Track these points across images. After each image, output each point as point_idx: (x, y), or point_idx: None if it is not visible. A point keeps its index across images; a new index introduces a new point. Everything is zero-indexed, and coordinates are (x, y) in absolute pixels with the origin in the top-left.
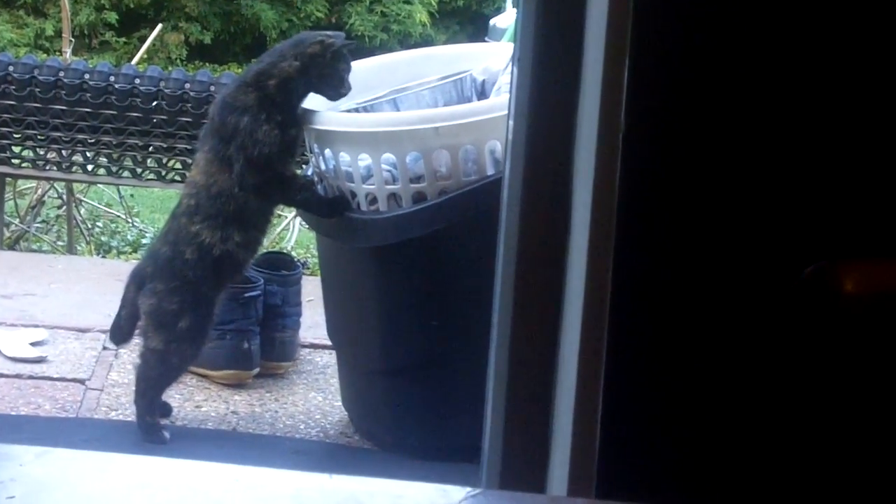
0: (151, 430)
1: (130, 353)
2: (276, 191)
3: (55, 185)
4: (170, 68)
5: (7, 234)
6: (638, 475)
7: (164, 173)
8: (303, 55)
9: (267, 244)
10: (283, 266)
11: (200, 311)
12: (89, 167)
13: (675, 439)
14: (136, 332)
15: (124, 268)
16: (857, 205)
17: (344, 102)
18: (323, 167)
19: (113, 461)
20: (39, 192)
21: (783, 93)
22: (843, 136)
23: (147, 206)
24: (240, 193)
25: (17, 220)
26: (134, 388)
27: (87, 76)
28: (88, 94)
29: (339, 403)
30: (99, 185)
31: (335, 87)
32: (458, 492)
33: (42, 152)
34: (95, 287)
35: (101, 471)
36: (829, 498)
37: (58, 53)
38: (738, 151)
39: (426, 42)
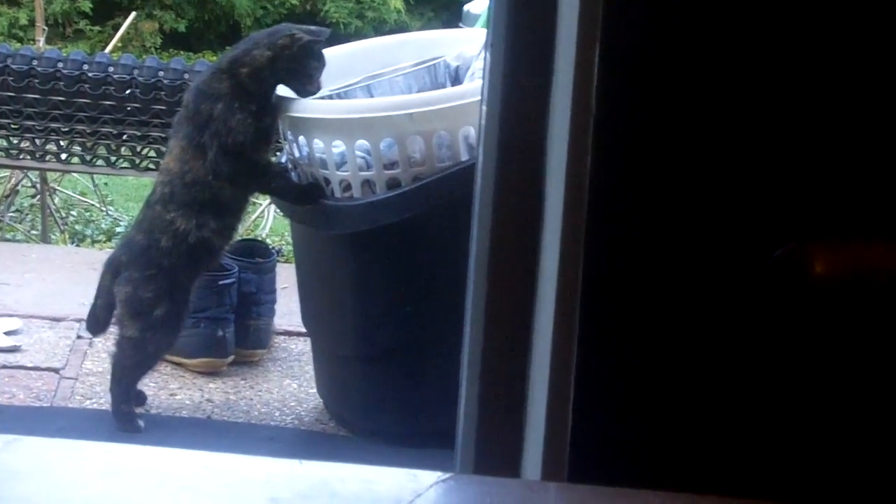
0: (126, 418)
1: (105, 342)
2: (251, 179)
3: (29, 174)
4: (144, 56)
5: None
6: (610, 460)
7: (138, 161)
8: (273, 45)
9: (242, 231)
10: (257, 253)
11: (176, 299)
12: (63, 156)
13: (645, 425)
14: (112, 320)
15: (99, 256)
16: (827, 186)
17: None
18: (297, 154)
19: (84, 449)
20: (13, 181)
21: (752, 75)
22: (811, 118)
23: (121, 194)
24: (214, 181)
25: None
26: (109, 377)
27: (60, 65)
28: (62, 83)
29: (314, 390)
30: (73, 173)
31: (303, 84)
32: (428, 476)
33: (15, 141)
34: (70, 276)
35: (72, 458)
36: (799, 478)
37: (31, 42)
38: (707, 134)
39: (401, 28)
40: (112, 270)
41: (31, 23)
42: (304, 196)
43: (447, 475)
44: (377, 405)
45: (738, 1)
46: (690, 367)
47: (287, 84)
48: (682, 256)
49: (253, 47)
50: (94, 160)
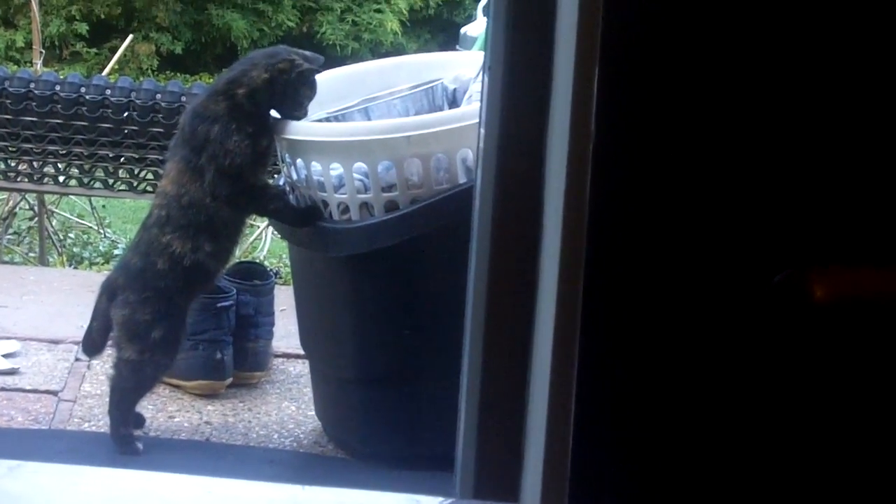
0: (125, 441)
1: (103, 364)
2: (248, 201)
3: (26, 196)
4: (141, 79)
5: None
6: (610, 484)
7: (135, 184)
8: (272, 68)
9: (239, 254)
10: (255, 276)
11: (173, 321)
12: (61, 178)
13: (647, 448)
14: (109, 343)
15: (96, 279)
16: (827, 212)
17: (315, 112)
18: (294, 177)
19: (85, 474)
20: (11, 203)
21: (753, 101)
22: (814, 143)
23: (119, 216)
24: (211, 203)
25: None
26: (108, 400)
27: (57, 87)
28: (59, 106)
29: (313, 413)
30: (70, 196)
31: (292, 109)
32: (430, 501)
33: (13, 164)
34: (68, 298)
35: (74, 484)
36: (802, 500)
37: (28, 65)
38: (707, 159)
39: (397, 51)
40: (108, 293)
41: (28, 45)
42: (302, 218)
43: (449, 500)
44: (375, 428)
45: (737, 27)
46: (691, 393)
47: (277, 108)
48: (682, 281)
49: (251, 68)
50: (92, 182)
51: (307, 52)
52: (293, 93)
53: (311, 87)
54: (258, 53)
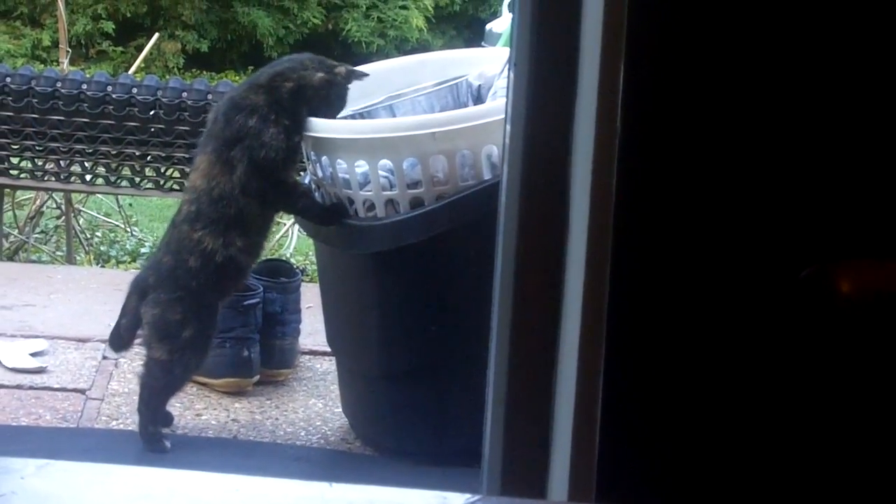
0: (153, 439)
1: (131, 363)
2: (278, 197)
3: (53, 195)
4: (167, 77)
5: (6, 244)
6: (637, 479)
7: (162, 182)
8: (330, 72)
9: (266, 251)
10: (282, 273)
11: (204, 321)
12: (87, 177)
13: (673, 443)
14: (136, 340)
15: (124, 277)
16: (853, 207)
17: None
18: (320, 174)
19: (114, 472)
20: (38, 202)
21: (778, 96)
22: (839, 138)
23: (146, 215)
24: (241, 196)
25: (16, 230)
26: (136, 398)
27: (84, 86)
28: (86, 105)
29: (340, 410)
30: (97, 194)
31: (330, 114)
32: (457, 498)
33: (40, 163)
34: (95, 297)
35: (103, 482)
36: (828, 499)
37: (55, 64)
38: (733, 154)
39: (423, 47)
40: (138, 291)
41: (54, 44)
42: (327, 216)
43: (476, 497)
44: (403, 424)
45: (762, 22)
46: (718, 387)
47: (317, 109)
48: (709, 277)
49: (300, 67)
50: (119, 181)
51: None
52: (337, 98)
53: (345, 100)
54: (305, 57)
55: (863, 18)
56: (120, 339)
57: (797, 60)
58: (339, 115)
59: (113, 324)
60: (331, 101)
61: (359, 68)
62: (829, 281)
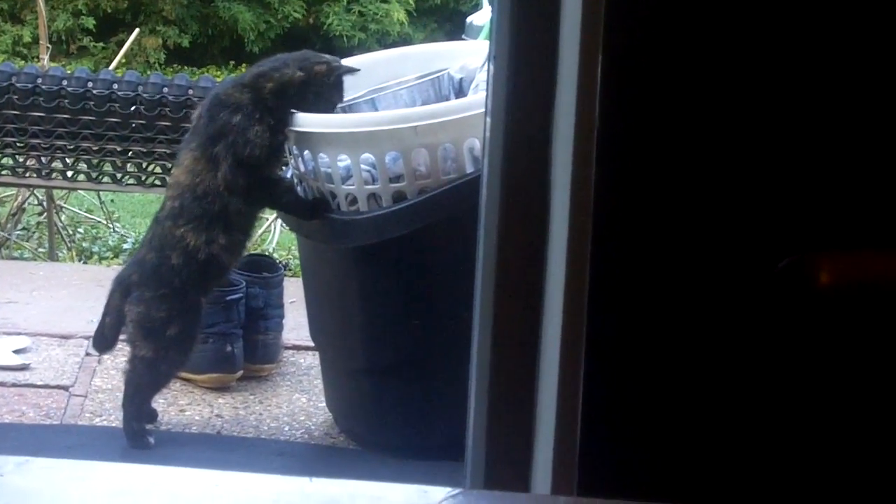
0: (137, 435)
1: (114, 359)
2: (262, 194)
3: (35, 191)
4: (148, 72)
5: None
6: (619, 472)
7: (143, 178)
8: (308, 69)
9: (249, 247)
10: (264, 268)
11: (188, 318)
12: (69, 173)
13: (654, 436)
14: (121, 337)
15: (106, 273)
16: (831, 197)
17: None
18: (303, 168)
19: (94, 469)
20: (19, 199)
21: (756, 86)
22: (816, 129)
23: (128, 210)
24: (225, 193)
25: None
26: (119, 394)
27: (65, 82)
28: (67, 101)
29: (323, 404)
30: (79, 190)
31: (324, 108)
32: (438, 492)
33: (21, 159)
34: (77, 293)
35: (83, 479)
36: (809, 490)
37: (35, 60)
38: (711, 145)
39: (404, 41)
40: (122, 289)
41: (35, 40)
42: (310, 210)
43: (457, 490)
44: (386, 418)
45: (738, 11)
46: (698, 378)
47: (307, 108)
48: (688, 267)
49: (282, 66)
50: (100, 177)
51: (331, 56)
52: (328, 95)
53: (342, 91)
54: (288, 56)
55: (836, 6)
56: (104, 339)
57: (774, 49)
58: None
59: (96, 320)
60: (320, 97)
61: (346, 62)
62: (807, 271)
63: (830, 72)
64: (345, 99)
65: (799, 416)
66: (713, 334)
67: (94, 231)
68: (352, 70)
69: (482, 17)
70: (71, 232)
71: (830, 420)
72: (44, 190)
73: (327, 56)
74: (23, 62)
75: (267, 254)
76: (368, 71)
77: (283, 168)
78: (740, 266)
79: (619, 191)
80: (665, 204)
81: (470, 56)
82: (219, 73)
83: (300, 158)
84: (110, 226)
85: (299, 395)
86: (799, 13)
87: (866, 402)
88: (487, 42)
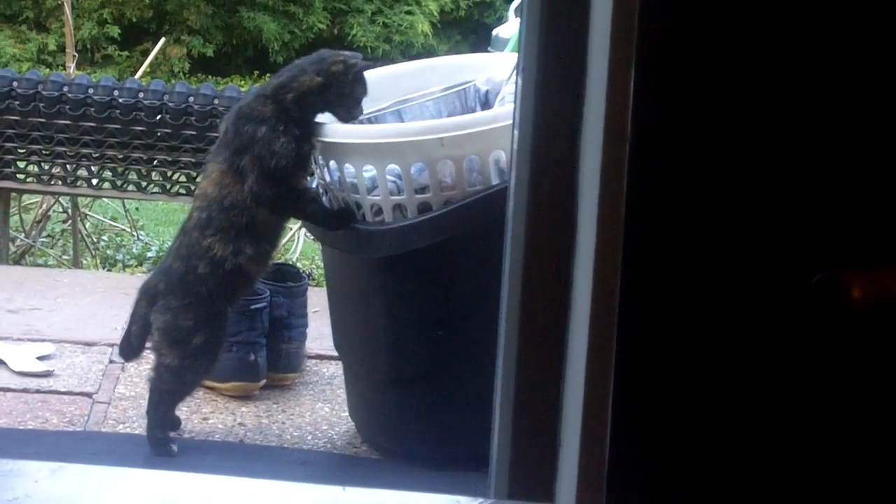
0: (160, 443)
1: (137, 366)
2: (289, 204)
3: (60, 199)
4: (173, 81)
5: (13, 248)
6: (648, 484)
7: (168, 186)
8: (325, 72)
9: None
10: (288, 277)
11: (214, 327)
12: (94, 181)
13: (682, 448)
14: (146, 346)
15: (130, 281)
16: (865, 212)
17: None
18: (328, 179)
19: (127, 476)
20: (44, 206)
21: (789, 102)
22: (849, 144)
23: (152, 219)
24: (252, 205)
25: (23, 234)
26: (143, 401)
27: (90, 91)
28: (92, 109)
29: (346, 414)
30: (104, 198)
31: (349, 109)
32: (468, 502)
33: (47, 167)
34: (101, 301)
35: (115, 486)
36: (839, 502)
37: (60, 68)
38: (743, 161)
39: (428, 52)
40: (148, 297)
41: (60, 48)
42: (335, 221)
43: (489, 501)
44: (409, 429)
45: (773, 28)
46: (728, 393)
47: (332, 110)
48: (719, 283)
49: (300, 73)
50: (125, 185)
51: (346, 52)
52: (350, 92)
53: (364, 85)
54: (304, 60)
55: (874, 24)
56: (130, 348)
57: (810, 63)
58: (360, 111)
59: (120, 327)
60: (343, 96)
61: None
62: (840, 287)
63: (867, 88)
64: (371, 110)
65: (832, 431)
66: (745, 348)
67: (119, 239)
68: (370, 64)
69: (508, 30)
70: (95, 240)
71: (863, 434)
72: (69, 197)
73: (344, 53)
74: (47, 70)
75: (291, 263)
76: (395, 82)
77: (309, 178)
78: (772, 281)
79: (648, 204)
80: (696, 218)
81: (496, 68)
82: (243, 82)
83: (326, 169)
84: (134, 234)
85: (322, 405)
86: (832, 28)
87: None
88: (514, 54)
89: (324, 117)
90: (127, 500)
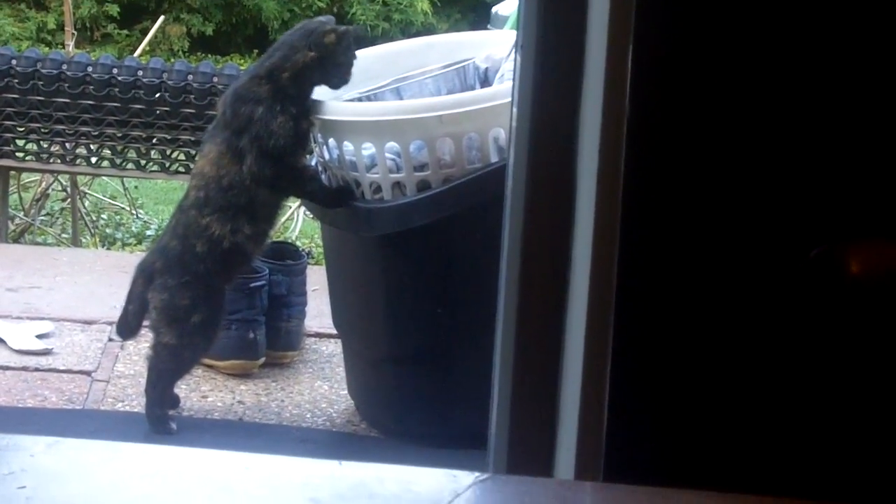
0: (159, 421)
1: (136, 345)
2: (289, 183)
3: (59, 177)
4: (172, 60)
5: (12, 227)
6: (645, 458)
7: (167, 165)
8: (318, 45)
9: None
10: (287, 256)
11: (212, 305)
12: (93, 159)
13: (681, 422)
14: (144, 324)
15: (129, 259)
16: (862, 186)
17: (347, 92)
18: (327, 157)
19: (123, 450)
20: (44, 184)
21: (787, 76)
22: (847, 119)
23: (151, 197)
24: (251, 185)
25: (22, 213)
26: (142, 380)
27: (90, 69)
28: (91, 87)
29: (345, 392)
30: (103, 177)
31: (342, 76)
32: (467, 477)
33: (46, 145)
34: (100, 279)
35: (112, 460)
36: (835, 480)
37: (59, 46)
38: (742, 135)
39: (428, 30)
40: (145, 276)
41: (59, 27)
42: (334, 199)
43: (486, 475)
44: (408, 406)
45: (775, 12)
46: (726, 366)
47: (326, 81)
48: (718, 257)
49: (291, 52)
50: (124, 163)
51: (324, 18)
52: (344, 60)
53: (354, 49)
54: (291, 37)
55: (866, 10)
56: (128, 326)
57: (804, 39)
58: (349, 79)
59: (118, 305)
60: (338, 66)
61: (372, 51)
62: (838, 261)
63: (861, 62)
64: (369, 87)
65: (828, 405)
66: (743, 323)
67: (118, 217)
68: (359, 28)
69: (507, 7)
70: (94, 218)
71: (860, 408)
72: (68, 176)
73: (327, 23)
74: (47, 48)
75: (290, 241)
76: (394, 60)
77: (308, 156)
78: (770, 256)
79: (647, 181)
80: (694, 195)
81: (495, 46)
82: (242, 61)
83: (325, 147)
84: (133, 212)
85: (321, 383)
86: (831, 11)
87: None
88: (513, 32)
89: (318, 92)
90: (123, 474)
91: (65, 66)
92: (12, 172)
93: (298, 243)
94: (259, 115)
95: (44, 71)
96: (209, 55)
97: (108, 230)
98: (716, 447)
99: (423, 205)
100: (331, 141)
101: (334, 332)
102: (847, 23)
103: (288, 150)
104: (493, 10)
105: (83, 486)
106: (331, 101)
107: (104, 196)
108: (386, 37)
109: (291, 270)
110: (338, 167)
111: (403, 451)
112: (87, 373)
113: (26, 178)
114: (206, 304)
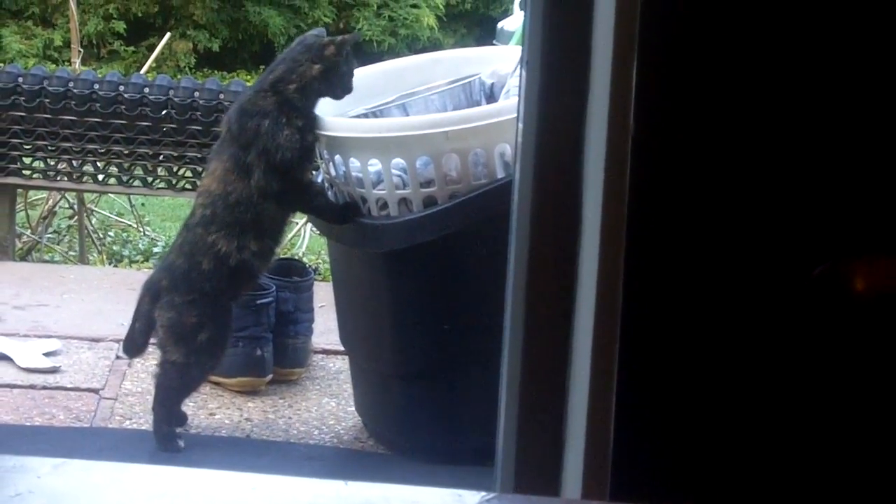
0: (167, 438)
1: (144, 362)
2: (295, 197)
3: (66, 195)
4: (178, 76)
5: (19, 244)
6: (652, 477)
7: (174, 182)
8: (321, 58)
9: (278, 251)
10: (294, 272)
11: (219, 323)
12: (100, 177)
13: (688, 442)
14: (151, 341)
15: (136, 277)
16: (867, 203)
17: (353, 108)
18: (333, 173)
19: (129, 471)
20: (51, 202)
21: (792, 92)
22: (852, 135)
23: (158, 214)
24: (259, 200)
25: (29, 230)
26: (149, 397)
27: (96, 86)
28: (98, 104)
29: (353, 409)
30: (110, 194)
31: (345, 86)
32: (472, 496)
33: (53, 163)
34: (108, 296)
35: (118, 481)
36: (842, 497)
37: (66, 63)
38: (747, 152)
39: (434, 46)
40: (151, 294)
41: (66, 44)
42: (341, 214)
43: (492, 495)
44: (415, 423)
45: (775, 19)
46: (731, 385)
47: (329, 92)
48: (723, 274)
49: (295, 65)
50: (131, 181)
51: (316, 30)
52: (346, 70)
53: (352, 58)
54: (293, 51)
55: (876, 19)
56: (134, 344)
57: (810, 54)
58: (352, 88)
59: (126, 323)
60: (341, 76)
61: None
62: (842, 279)
63: (870, 77)
64: (376, 104)
65: (835, 423)
66: (748, 340)
67: (125, 234)
68: (356, 36)
69: (513, 23)
70: (101, 235)
71: (866, 426)
72: (75, 193)
73: (322, 36)
74: (53, 66)
75: (297, 258)
76: (399, 76)
77: (314, 171)
78: (775, 272)
79: (652, 197)
80: (698, 210)
81: (501, 61)
82: (248, 77)
83: (331, 163)
84: (140, 229)
85: (328, 400)
86: (838, 17)
87: None
88: (519, 47)
89: (324, 107)
90: (130, 496)
91: (71, 84)
92: (19, 190)
93: (305, 260)
94: (266, 128)
95: (50, 88)
96: (215, 71)
97: (115, 247)
98: (722, 466)
99: (430, 221)
100: (337, 157)
101: (341, 348)
102: (852, 38)
103: (295, 164)
104: (499, 25)
105: None
106: (337, 118)
107: (111, 213)
108: (392, 52)
109: (298, 287)
110: (344, 183)
111: (411, 468)
112: (95, 390)
113: (33, 195)
114: (213, 321)
